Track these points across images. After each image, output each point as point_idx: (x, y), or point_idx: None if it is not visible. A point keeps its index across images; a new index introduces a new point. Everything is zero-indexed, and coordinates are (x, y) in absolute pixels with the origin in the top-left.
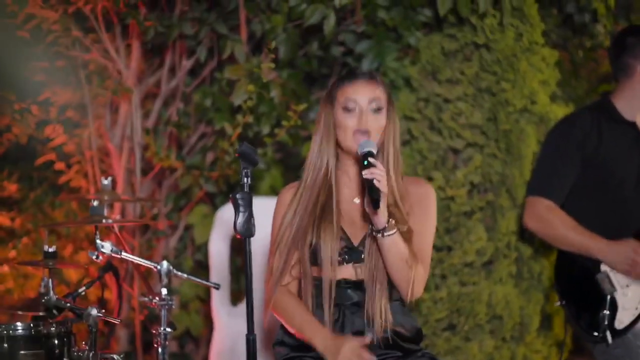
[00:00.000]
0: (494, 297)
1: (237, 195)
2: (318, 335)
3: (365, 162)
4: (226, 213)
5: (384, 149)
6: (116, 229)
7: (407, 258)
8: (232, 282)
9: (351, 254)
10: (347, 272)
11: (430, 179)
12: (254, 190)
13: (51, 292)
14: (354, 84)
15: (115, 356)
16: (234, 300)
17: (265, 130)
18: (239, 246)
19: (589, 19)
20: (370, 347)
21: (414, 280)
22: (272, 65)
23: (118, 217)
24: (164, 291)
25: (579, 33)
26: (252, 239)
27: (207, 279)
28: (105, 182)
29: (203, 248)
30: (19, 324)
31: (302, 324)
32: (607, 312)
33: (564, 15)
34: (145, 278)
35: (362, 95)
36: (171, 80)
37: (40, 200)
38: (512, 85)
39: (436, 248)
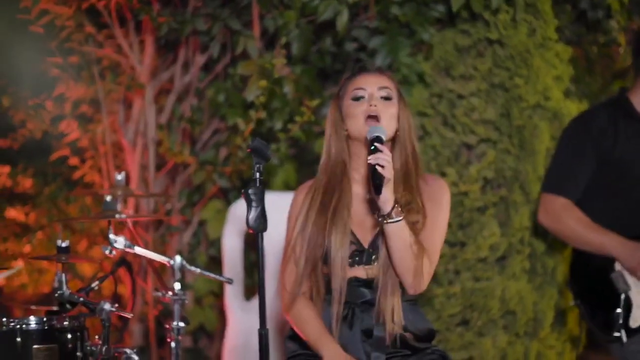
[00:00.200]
0: (508, 293)
1: (250, 191)
2: (328, 349)
3: (372, 147)
4: (239, 208)
5: (401, 143)
6: (130, 224)
7: (414, 248)
8: (246, 277)
9: (361, 256)
10: (359, 271)
11: (443, 175)
12: (267, 185)
13: (64, 287)
14: (362, 75)
15: (128, 350)
16: (248, 295)
17: (278, 125)
18: (253, 241)
19: (602, 15)
20: (380, 346)
21: (418, 271)
22: (284, 60)
23: (131, 212)
24: (177, 286)
25: (593, 29)
26: (265, 234)
27: (221, 274)
28: (119, 177)
29: (216, 243)
30: (32, 318)
31: (315, 335)
32: (621, 311)
33: (578, 11)
34: (158, 273)
35: (371, 83)
36: (184, 76)
37: (54, 195)
38: (525, 81)
39: (449, 243)
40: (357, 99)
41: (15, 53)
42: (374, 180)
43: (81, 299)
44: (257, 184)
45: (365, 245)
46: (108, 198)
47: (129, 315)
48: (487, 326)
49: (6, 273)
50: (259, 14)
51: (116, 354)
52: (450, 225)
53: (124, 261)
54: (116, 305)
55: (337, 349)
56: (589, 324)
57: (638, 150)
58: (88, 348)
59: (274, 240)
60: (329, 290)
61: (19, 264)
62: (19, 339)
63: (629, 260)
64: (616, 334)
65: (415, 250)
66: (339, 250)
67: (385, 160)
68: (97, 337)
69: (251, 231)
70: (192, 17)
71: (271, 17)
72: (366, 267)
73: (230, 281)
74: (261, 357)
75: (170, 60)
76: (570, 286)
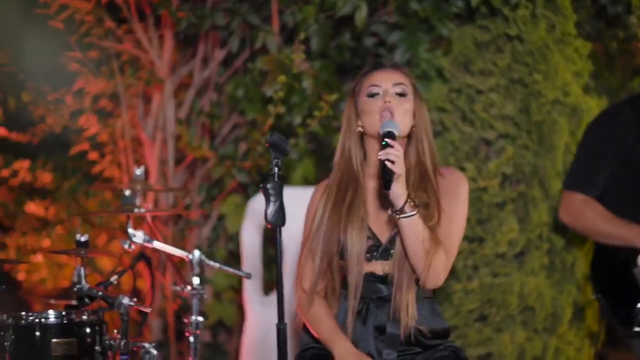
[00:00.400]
0: (526, 288)
1: (268, 185)
2: (340, 346)
3: (383, 143)
4: (258, 203)
5: (417, 138)
6: (149, 219)
7: (428, 243)
8: (265, 272)
9: (379, 251)
10: (375, 267)
11: (462, 170)
12: (285, 180)
13: (83, 281)
14: (377, 72)
15: (146, 345)
16: (266, 289)
17: (297, 120)
18: (271, 236)
19: (622, 10)
20: (392, 343)
21: (432, 265)
22: (303, 55)
23: (150, 206)
24: (196, 280)
25: (613, 24)
26: (283, 228)
27: (240, 269)
28: (138, 171)
29: (235, 238)
30: (51, 312)
31: (327, 333)
32: None
33: (598, 7)
34: (177, 267)
35: (386, 80)
36: (204, 71)
37: (73, 190)
38: (544, 76)
39: (468, 239)
40: (372, 95)
41: (35, 48)
42: (384, 176)
43: (100, 293)
44: (276, 179)
45: (383, 240)
46: (127, 192)
47: (147, 310)
48: (505, 322)
49: None
50: (278, 9)
51: (135, 348)
52: (468, 220)
53: (143, 255)
54: (135, 299)
55: (348, 346)
56: (609, 318)
57: None
58: (107, 342)
59: (292, 235)
60: (345, 285)
61: (39, 258)
62: (38, 333)
63: None
64: (637, 329)
65: (429, 244)
66: (355, 245)
67: (395, 156)
68: (115, 331)
69: (269, 226)
70: (211, 11)
71: (290, 12)
72: (384, 262)
73: (248, 276)
74: (279, 351)
75: (189, 55)
76: (592, 280)
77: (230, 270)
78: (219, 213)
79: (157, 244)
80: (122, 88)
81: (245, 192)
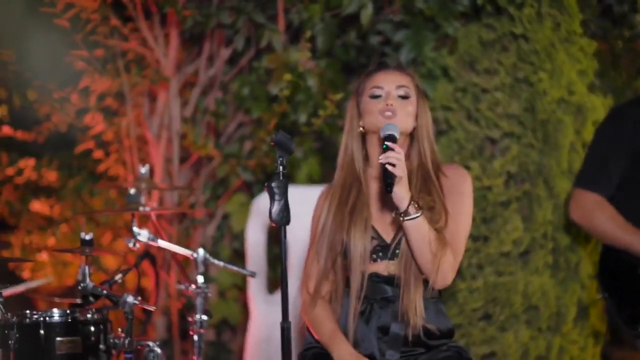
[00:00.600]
0: (530, 287)
1: (273, 184)
2: (339, 349)
3: (384, 146)
4: (263, 202)
5: (419, 141)
6: (153, 217)
7: (435, 244)
8: (269, 271)
9: (384, 251)
10: (380, 267)
11: (467, 169)
12: (291, 179)
13: (87, 280)
14: (381, 73)
15: (151, 343)
16: (271, 288)
17: (303, 119)
18: (276, 234)
19: (628, 9)
20: (395, 344)
21: (440, 266)
22: (309, 54)
23: (155, 205)
24: (200, 279)
25: (619, 23)
26: (288, 227)
27: (244, 267)
28: (143, 170)
29: (240, 236)
30: (55, 310)
31: (327, 335)
32: None
33: (603, 5)
34: (182, 266)
35: (389, 82)
36: (209, 69)
37: (79, 188)
38: (549, 75)
39: (472, 238)
40: (374, 97)
41: (41, 46)
42: (385, 179)
43: (104, 291)
44: (281, 177)
45: (388, 240)
46: (132, 191)
47: (152, 308)
48: (509, 321)
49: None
50: (284, 8)
51: (139, 347)
52: (473, 219)
53: (148, 254)
54: (139, 298)
55: (348, 349)
56: (614, 318)
57: None
58: (111, 341)
59: (297, 233)
60: (349, 284)
61: (43, 256)
62: (42, 332)
63: None
64: None
65: (435, 245)
66: (358, 246)
67: (396, 159)
68: (120, 329)
69: (274, 224)
70: (217, 10)
71: (296, 10)
72: (390, 262)
73: (253, 274)
74: (283, 350)
75: (195, 54)
76: (599, 279)
77: (235, 268)
78: (224, 212)
79: (162, 243)
80: (128, 86)
81: (250, 190)
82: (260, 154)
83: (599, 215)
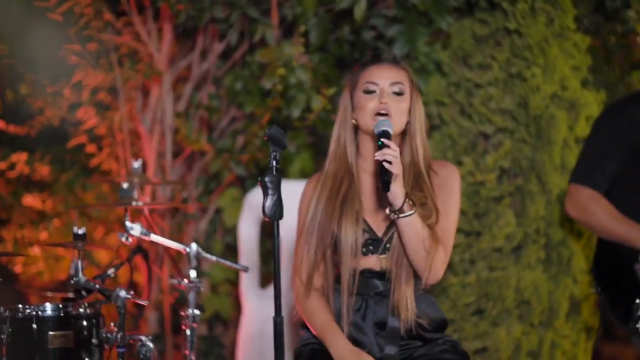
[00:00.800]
0: (523, 282)
1: (266, 179)
2: (336, 343)
3: (380, 143)
4: (256, 196)
5: (412, 137)
6: (146, 212)
7: (427, 241)
8: (262, 265)
9: (375, 245)
10: (371, 262)
11: (460, 164)
12: (284, 173)
13: (80, 274)
14: (375, 67)
15: (143, 338)
16: (263, 283)
17: (296, 114)
18: (269, 229)
19: (621, 4)
20: (393, 338)
21: (433, 264)
22: (302, 49)
23: (148, 199)
24: (193, 273)
25: (612, 19)
26: (281, 222)
27: (237, 262)
28: (136, 164)
29: (233, 231)
30: (48, 305)
31: (322, 328)
32: None
33: (597, 1)
34: (174, 260)
35: (384, 78)
36: (202, 64)
37: (71, 183)
38: (543, 70)
39: (465, 233)
40: (368, 92)
41: (34, 40)
42: (382, 177)
43: (97, 286)
44: (274, 172)
45: (379, 234)
46: (125, 185)
47: (144, 303)
48: (501, 316)
49: None
50: (277, 2)
51: (131, 341)
52: (466, 214)
53: (140, 249)
54: (132, 292)
55: (344, 343)
56: (608, 313)
57: None
58: (103, 335)
59: (289, 228)
60: (339, 280)
61: (36, 250)
62: (34, 326)
63: None
64: (634, 325)
65: (429, 243)
66: (349, 238)
67: (392, 156)
68: (112, 324)
69: (267, 219)
70: (210, 4)
71: (289, 5)
72: (380, 256)
73: (246, 269)
74: (276, 344)
75: (188, 48)
76: (593, 273)
77: (228, 263)
78: (217, 206)
79: (155, 237)
80: (121, 81)
81: (243, 185)
82: (253, 148)
83: (595, 209)
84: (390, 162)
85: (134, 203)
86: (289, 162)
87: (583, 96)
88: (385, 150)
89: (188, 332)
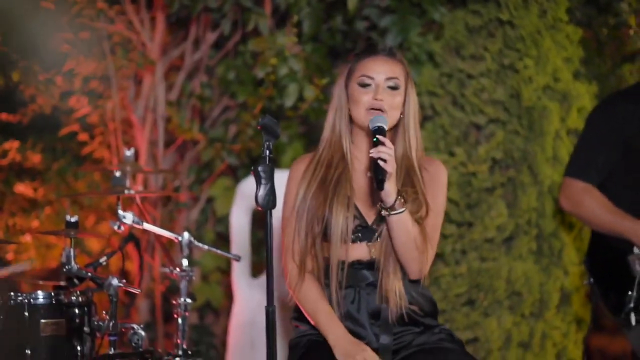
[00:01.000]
0: (514, 274)
1: (259, 168)
2: (335, 332)
3: (375, 140)
4: (248, 186)
5: (405, 130)
6: (138, 200)
7: (416, 239)
8: (253, 254)
9: (365, 232)
10: (361, 252)
11: (452, 155)
12: (276, 163)
13: (72, 262)
14: (371, 60)
15: (135, 326)
16: (255, 272)
17: (288, 103)
18: (260, 219)
19: None
20: (388, 327)
21: (421, 260)
22: (296, 39)
23: (140, 188)
24: (185, 262)
25: (604, 11)
26: (273, 211)
27: (228, 251)
28: (128, 153)
29: (224, 220)
30: (40, 292)
31: (321, 318)
32: (633, 293)
33: None
34: (166, 249)
35: (379, 73)
36: (195, 53)
37: (63, 171)
38: (535, 62)
39: (457, 223)
40: (363, 85)
41: (27, 28)
42: (377, 175)
43: (89, 274)
44: (267, 162)
45: (369, 221)
46: (117, 174)
47: (137, 291)
48: (492, 306)
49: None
50: None
51: (123, 330)
52: (457, 205)
53: (133, 237)
54: (124, 280)
55: (343, 333)
56: (599, 304)
57: None
58: (95, 323)
59: (281, 218)
60: (327, 274)
61: (27, 239)
62: (26, 314)
63: None
64: (626, 316)
65: (419, 240)
66: (340, 222)
67: (387, 154)
68: (104, 312)
69: (260, 209)
70: None
71: None
72: (369, 244)
73: (238, 258)
74: (268, 334)
75: (181, 37)
76: (586, 265)
77: (220, 252)
78: (208, 195)
79: (147, 226)
80: (113, 70)
81: (235, 174)
82: (245, 138)
83: (588, 201)
84: (385, 160)
85: (126, 191)
86: (281, 151)
87: (575, 88)
88: (380, 148)
89: (180, 320)
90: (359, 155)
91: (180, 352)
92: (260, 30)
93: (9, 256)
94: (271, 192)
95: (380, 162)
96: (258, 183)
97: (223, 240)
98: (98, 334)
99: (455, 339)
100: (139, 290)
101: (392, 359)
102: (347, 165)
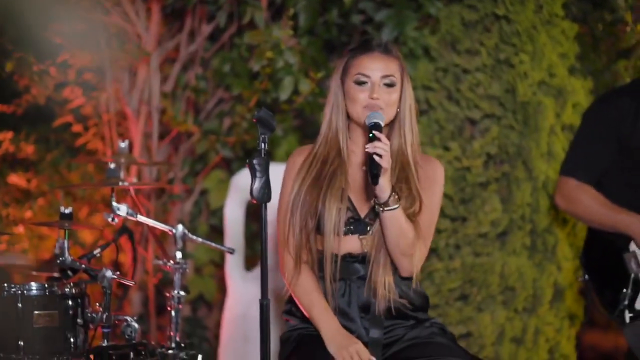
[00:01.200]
0: (507, 269)
1: (254, 161)
2: (328, 325)
3: (371, 135)
4: (242, 178)
5: (401, 125)
6: (132, 192)
7: (410, 235)
8: (247, 248)
9: (357, 225)
10: (352, 245)
11: (446, 149)
12: (270, 156)
13: (66, 254)
14: (367, 56)
15: (128, 318)
16: (248, 265)
17: (284, 97)
18: (254, 212)
19: None
20: (377, 321)
21: (413, 257)
22: (291, 32)
23: (134, 180)
24: (179, 255)
25: (600, 7)
26: (268, 204)
27: (222, 244)
28: (123, 145)
29: (218, 213)
30: (33, 284)
31: (315, 309)
32: (628, 291)
33: None
34: (160, 241)
35: (375, 70)
36: (190, 45)
37: (56, 162)
38: (531, 57)
39: (451, 218)
40: (359, 83)
41: (22, 19)
42: (372, 170)
43: (83, 266)
44: (262, 155)
45: (362, 215)
46: (112, 165)
47: (131, 283)
48: (486, 301)
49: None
50: None
51: (116, 322)
52: (452, 199)
53: (126, 229)
54: (118, 273)
55: (336, 326)
56: (594, 300)
57: None
58: (89, 315)
59: (276, 210)
60: (321, 267)
61: (20, 229)
62: (20, 305)
63: None
64: (620, 314)
65: (411, 237)
66: (333, 213)
67: (383, 150)
68: (97, 304)
69: (255, 202)
70: None
71: None
72: (361, 237)
73: (232, 251)
74: (262, 327)
75: (176, 29)
76: (582, 261)
77: (214, 245)
78: (202, 188)
79: (142, 218)
80: (108, 61)
81: (229, 167)
82: (240, 130)
83: (582, 198)
84: (380, 156)
85: (120, 183)
86: (276, 145)
87: (570, 83)
88: (376, 143)
89: (173, 313)
90: (355, 150)
91: (173, 345)
92: (256, 22)
93: (2, 247)
94: (266, 185)
95: (376, 157)
96: (253, 176)
97: (216, 233)
98: (91, 326)
99: (447, 333)
100: (133, 283)
101: (384, 354)
102: (343, 160)
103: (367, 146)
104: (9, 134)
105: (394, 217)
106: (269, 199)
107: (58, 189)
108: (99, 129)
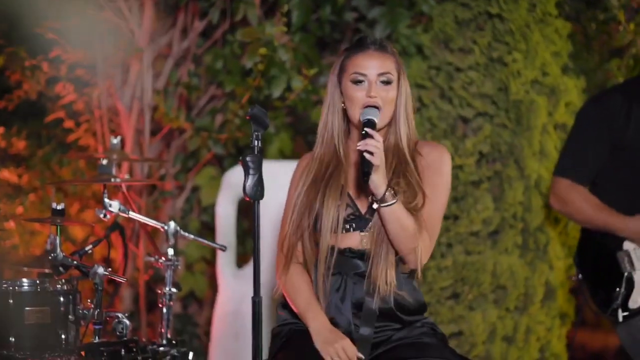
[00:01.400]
0: (499, 267)
1: (247, 158)
2: (315, 320)
3: (363, 132)
4: (234, 175)
5: (396, 120)
6: (124, 189)
7: (411, 229)
8: (238, 245)
9: (358, 222)
10: (353, 240)
11: None
12: (263, 153)
13: (58, 250)
14: (363, 55)
15: (119, 315)
16: (239, 262)
17: (276, 94)
18: (246, 209)
19: None
20: (369, 320)
21: (416, 250)
22: (284, 29)
23: (126, 176)
24: (170, 251)
25: (593, 6)
26: (260, 202)
27: (213, 241)
28: (115, 141)
29: (209, 210)
30: (24, 280)
31: (303, 305)
32: (622, 290)
33: None
34: (151, 238)
35: (371, 68)
36: (183, 41)
37: (48, 158)
38: (524, 56)
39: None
40: (356, 82)
41: (15, 14)
42: (362, 168)
43: (75, 262)
44: (255, 152)
45: (363, 211)
46: (104, 162)
47: (123, 280)
48: (477, 300)
49: None
50: None
51: (108, 318)
52: None
53: (118, 225)
54: (109, 269)
55: (324, 321)
56: (587, 299)
57: None
58: (80, 311)
59: (268, 208)
60: (318, 263)
61: (11, 225)
62: (11, 301)
63: (637, 235)
64: (613, 313)
65: (412, 230)
66: (331, 210)
67: (374, 147)
68: (89, 300)
69: (248, 199)
70: None
71: None
72: (361, 233)
73: (224, 248)
74: (254, 324)
75: (169, 25)
76: (576, 260)
77: (206, 242)
78: (194, 184)
79: (134, 214)
80: (101, 57)
81: (221, 164)
82: (232, 127)
83: (574, 198)
84: (372, 153)
85: (112, 179)
86: (268, 142)
87: (563, 82)
88: (368, 141)
89: (164, 310)
90: (353, 146)
91: (164, 342)
92: (249, 19)
93: None
94: (259, 183)
95: (367, 155)
96: (246, 173)
97: (208, 229)
98: (83, 322)
99: (437, 333)
100: (125, 280)
101: (371, 353)
102: (340, 159)
103: (358, 144)
104: (0, 130)
105: (392, 213)
106: (261, 196)
107: (49, 185)
108: (90, 125)
